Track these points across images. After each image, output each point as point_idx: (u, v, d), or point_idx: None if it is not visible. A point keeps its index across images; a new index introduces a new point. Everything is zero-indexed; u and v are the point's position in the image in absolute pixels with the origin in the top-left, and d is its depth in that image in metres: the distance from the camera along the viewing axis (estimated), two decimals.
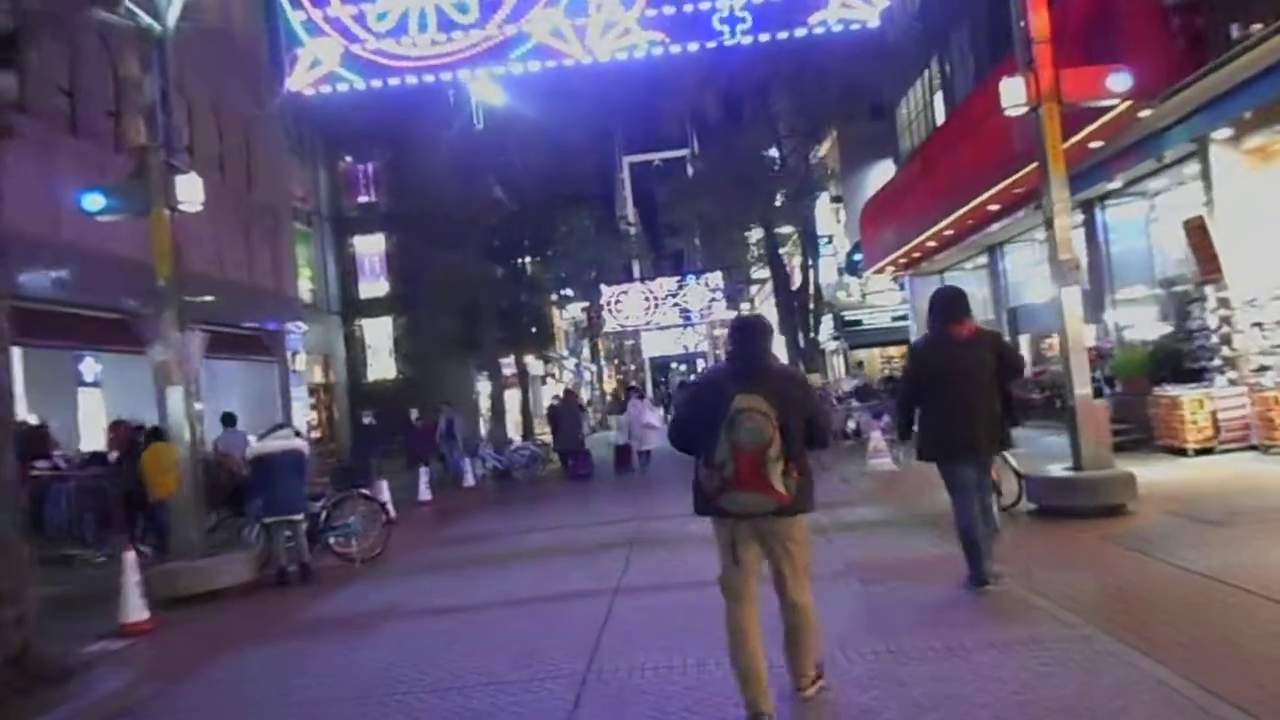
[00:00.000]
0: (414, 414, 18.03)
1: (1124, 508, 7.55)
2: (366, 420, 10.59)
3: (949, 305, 5.36)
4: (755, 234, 31.44)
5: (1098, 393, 14.18)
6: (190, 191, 8.87)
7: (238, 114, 19.16)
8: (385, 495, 11.77)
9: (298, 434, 8.99)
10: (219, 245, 17.59)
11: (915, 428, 5.54)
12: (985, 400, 5.19)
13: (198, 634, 6.95)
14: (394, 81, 11.03)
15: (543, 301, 25.05)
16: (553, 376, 35.39)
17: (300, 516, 8.54)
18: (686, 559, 7.16)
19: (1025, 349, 18.98)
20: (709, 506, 3.62)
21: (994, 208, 16.09)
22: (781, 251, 23.81)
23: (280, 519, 8.44)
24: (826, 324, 26.83)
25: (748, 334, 3.82)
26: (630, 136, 58.28)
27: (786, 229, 24.27)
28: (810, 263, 20.78)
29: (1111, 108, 9.74)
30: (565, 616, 5.92)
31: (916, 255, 20.59)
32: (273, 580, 8.40)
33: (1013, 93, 8.29)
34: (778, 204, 18.98)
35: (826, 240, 29.26)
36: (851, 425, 16.18)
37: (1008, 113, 8.55)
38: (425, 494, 13.85)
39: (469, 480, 15.69)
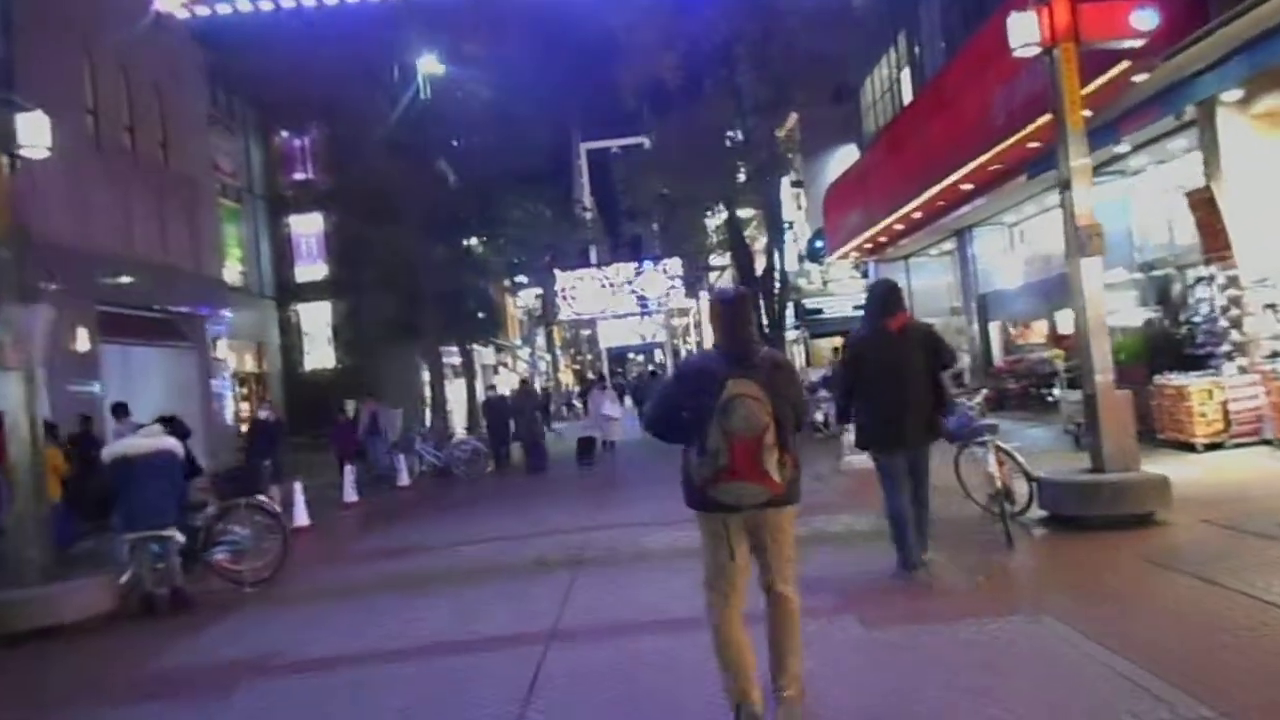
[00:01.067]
0: (350, 405, 16.18)
1: (1153, 517, 6.30)
2: (263, 415, 8.71)
3: (883, 298, 5.46)
4: (715, 221, 30.17)
5: (1076, 383, 13.15)
6: (35, 133, 7.07)
7: (150, 76, 17.08)
8: (299, 500, 10.10)
9: (175, 431, 7.27)
10: (126, 218, 15.57)
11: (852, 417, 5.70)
12: (917, 391, 5.28)
13: (6, 690, 5.27)
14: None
15: (490, 284, 23.32)
16: (505, 366, 33.61)
17: (171, 531, 6.87)
18: (642, 587, 5.73)
19: (995, 336, 17.96)
20: (700, 499, 3.34)
21: (967, 187, 14.88)
22: (744, 235, 22.39)
23: (145, 534, 6.76)
24: (788, 312, 25.65)
25: (735, 313, 3.49)
26: (588, 124, 56.54)
27: (748, 212, 22.88)
28: (775, 246, 19.33)
29: (1112, 65, 8.55)
30: (476, 679, 4.40)
31: (882, 240, 19.39)
32: (137, 609, 6.72)
33: (1023, 30, 6.94)
34: (741, 179, 17.44)
35: (788, 226, 28.06)
36: (819, 416, 14.87)
37: (1016, 54, 7.20)
38: (351, 495, 12.17)
39: (403, 479, 14.00)
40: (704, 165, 17.84)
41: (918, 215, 16.99)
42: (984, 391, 6.98)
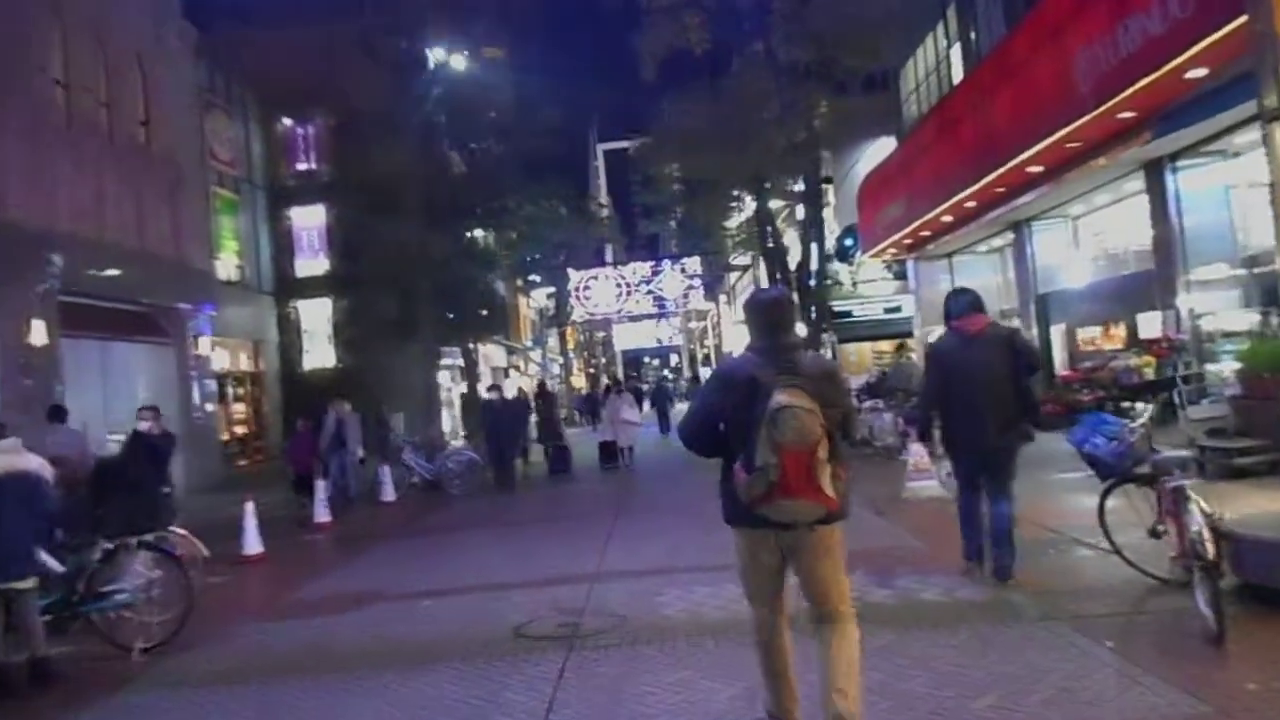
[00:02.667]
0: (344, 407, 14.13)
1: None
2: (143, 426, 6.35)
3: (960, 302, 5.26)
4: (737, 219, 28.12)
5: (1168, 397, 10.94)
6: None
7: (130, 49, 15.32)
8: (249, 524, 8.15)
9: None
10: (97, 200, 13.78)
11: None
12: (996, 397, 5.01)
13: None
14: None
15: (495, 279, 21.37)
16: (518, 369, 31.67)
17: (28, 582, 4.95)
18: (658, 693, 3.71)
19: (1057, 342, 15.76)
20: (747, 516, 2.97)
21: (1035, 170, 12.77)
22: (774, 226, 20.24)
23: None
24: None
25: (778, 316, 3.15)
26: (606, 125, 54.74)
27: (776, 203, 20.73)
28: (813, 238, 16.99)
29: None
30: None
31: (925, 234, 17.26)
32: None
33: None
34: (779, 152, 15.10)
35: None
36: (865, 431, 12.76)
37: None
38: (322, 515, 10.23)
39: (388, 494, 12.06)
40: (732, 141, 15.71)
41: (971, 205, 14.86)
42: (1148, 409, 4.89)
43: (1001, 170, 12.95)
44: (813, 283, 16.87)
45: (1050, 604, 4.76)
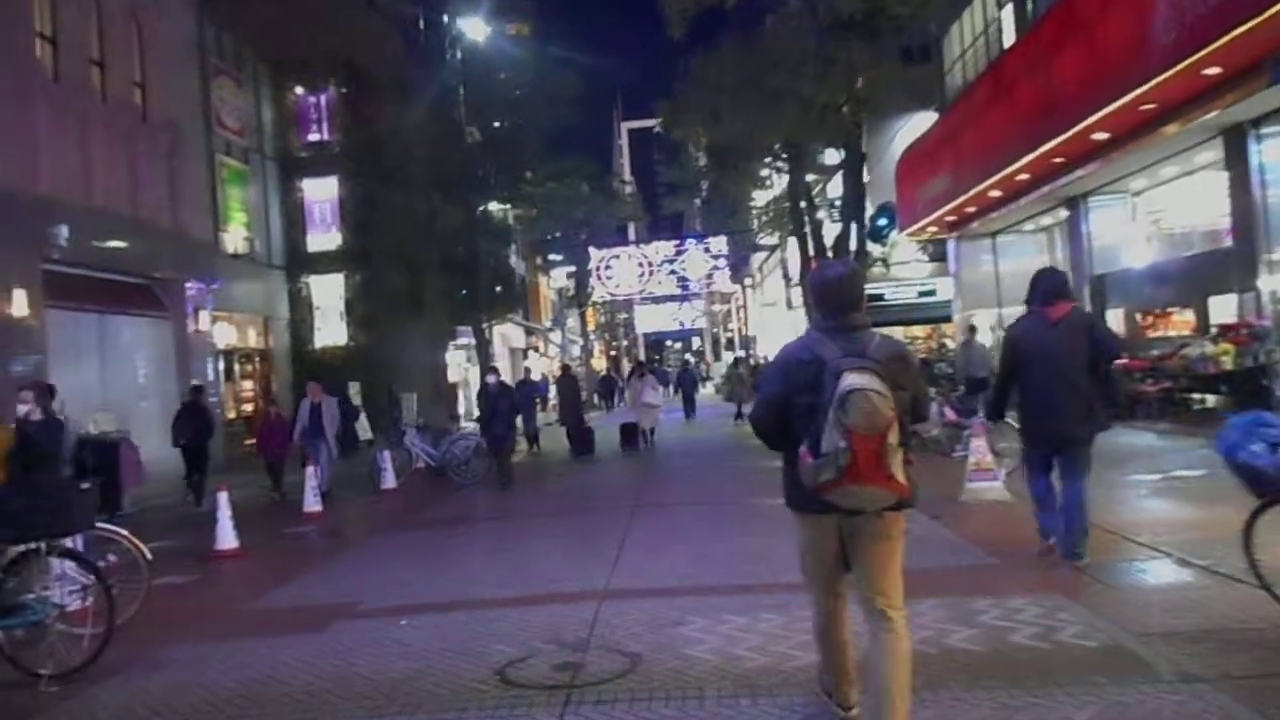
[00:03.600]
0: (322, 394, 12.67)
1: None
2: (22, 408, 5.28)
3: (1046, 285, 5.10)
4: (763, 199, 26.76)
5: (1257, 391, 9.65)
6: None
7: (125, 3, 14.34)
8: (223, 515, 7.20)
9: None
10: (86, 164, 12.86)
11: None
12: (1072, 385, 4.86)
13: None
14: None
15: (509, 253, 20.27)
16: (536, 350, 30.66)
17: None
18: None
19: (1114, 326, 14.38)
20: (809, 500, 2.80)
21: (1100, 136, 11.45)
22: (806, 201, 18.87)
23: None
24: None
25: (847, 293, 2.91)
26: (630, 105, 53.30)
27: (811, 177, 19.35)
28: (853, 214, 15.51)
29: None
30: None
31: (970, 211, 15.94)
32: None
33: None
34: (817, 114, 13.68)
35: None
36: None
37: None
38: (312, 504, 9.28)
39: (388, 481, 11.09)
40: (764, 103, 14.36)
41: (1024, 178, 13.55)
42: None
43: (1062, 138, 11.65)
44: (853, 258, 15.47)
45: (1184, 655, 3.64)
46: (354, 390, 15.07)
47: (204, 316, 14.81)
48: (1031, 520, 5.45)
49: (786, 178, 26.95)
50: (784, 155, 16.98)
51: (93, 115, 13.02)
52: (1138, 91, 9.86)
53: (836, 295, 2.89)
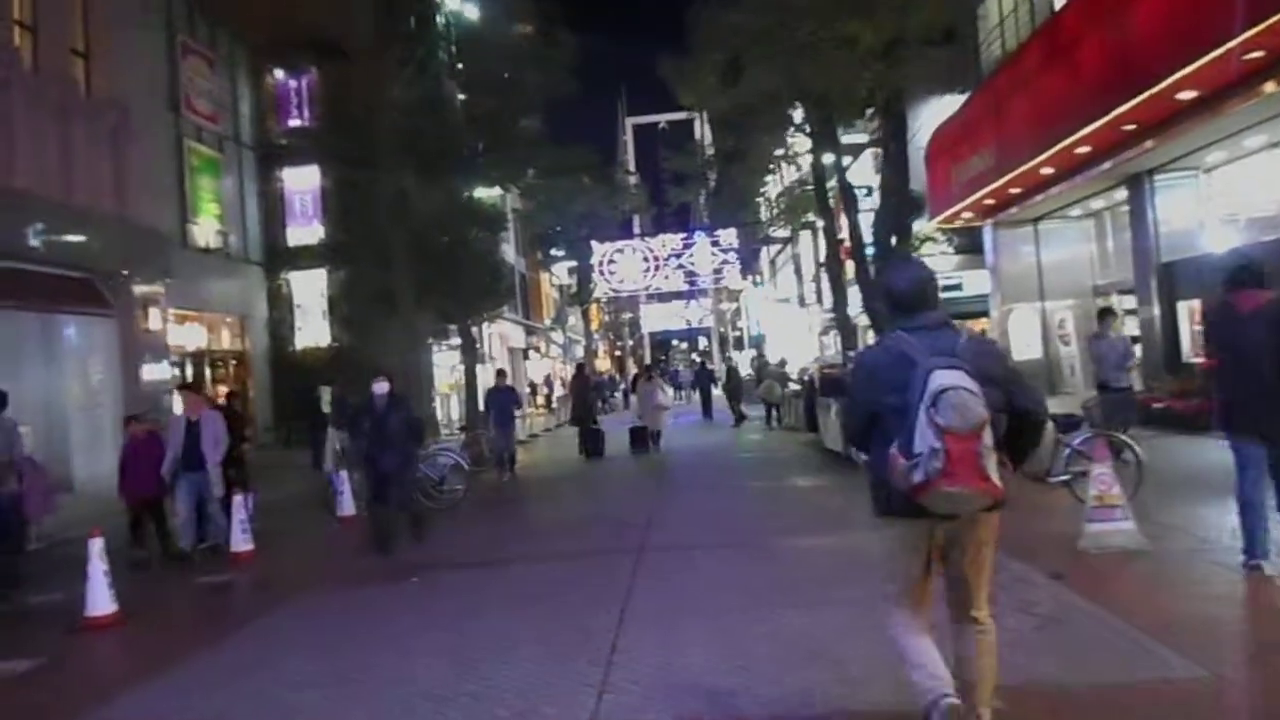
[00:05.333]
0: (203, 406, 8.37)
1: None
2: None
3: (1233, 274, 4.67)
4: (775, 189, 24.86)
5: None
6: None
7: None
8: (95, 573, 5.34)
9: None
10: (7, 141, 11.03)
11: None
12: (1269, 375, 4.37)
13: None
14: None
15: (501, 242, 18.39)
16: (538, 350, 28.80)
17: None
18: None
19: (1184, 321, 12.51)
20: (901, 505, 2.70)
21: (1186, 96, 9.53)
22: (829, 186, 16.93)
23: None
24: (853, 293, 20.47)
25: (926, 293, 2.82)
26: (635, 103, 51.42)
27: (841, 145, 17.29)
28: (897, 194, 13.16)
29: None
30: None
31: (1014, 192, 14.01)
32: None
33: None
34: (856, 63, 11.60)
35: (865, 192, 23.00)
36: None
37: None
38: (241, 542, 7.38)
39: (345, 507, 9.16)
40: (792, 53, 12.32)
41: (1084, 151, 11.61)
42: None
43: (1138, 100, 9.72)
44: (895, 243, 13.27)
45: None
46: (325, 398, 13.13)
47: (154, 314, 12.98)
48: (1200, 580, 4.14)
49: (796, 168, 25.15)
50: (807, 128, 14.98)
51: (17, 86, 11.21)
52: (1243, 37, 7.96)
53: (918, 295, 2.80)
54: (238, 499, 7.41)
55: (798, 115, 15.87)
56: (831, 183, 17.40)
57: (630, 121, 50.15)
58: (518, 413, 14.21)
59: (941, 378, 2.52)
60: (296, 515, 9.70)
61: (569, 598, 5.40)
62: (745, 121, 15.44)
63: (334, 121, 15.78)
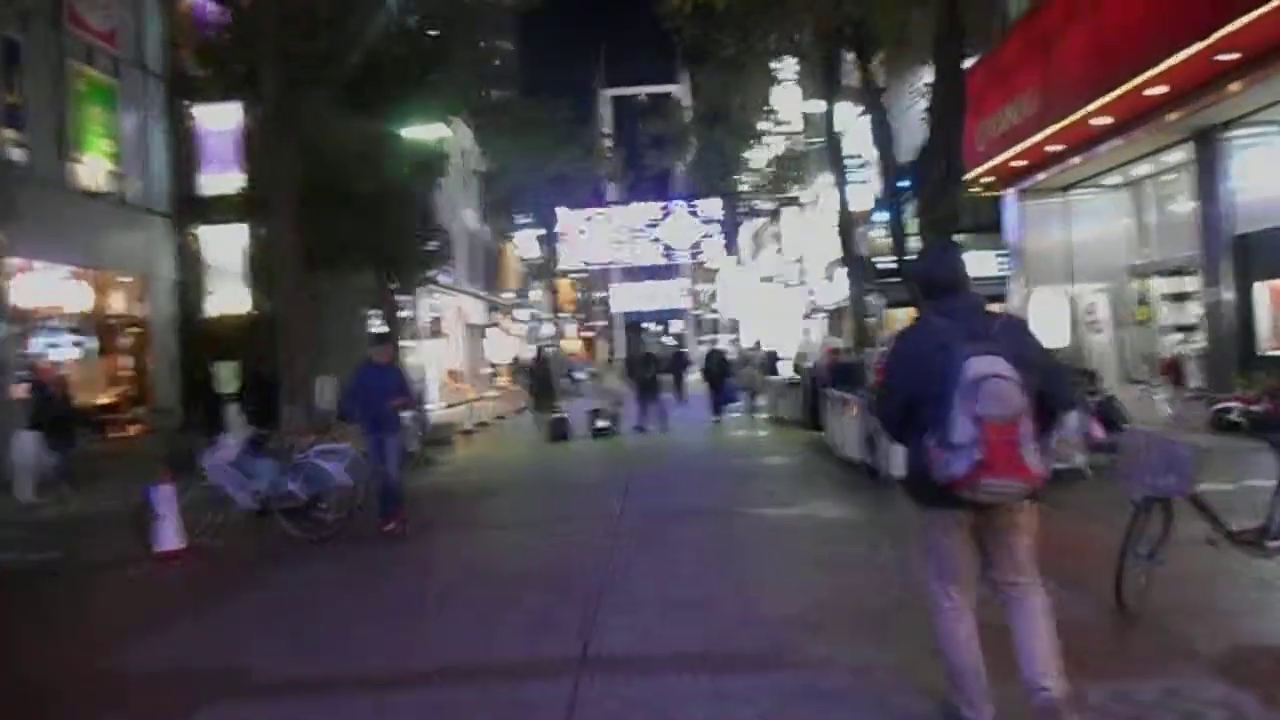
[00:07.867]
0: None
1: None
2: None
3: None
4: (763, 154, 22.37)
5: None
6: None
7: None
8: None
9: None
10: None
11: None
12: None
13: None
14: None
15: (435, 189, 15.65)
16: (498, 327, 26.06)
17: None
18: None
19: (1263, 304, 10.30)
20: (941, 496, 2.66)
21: None
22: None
23: None
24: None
25: (960, 274, 2.83)
26: (613, 75, 48.52)
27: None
28: (949, 154, 10.10)
29: None
30: None
31: (1051, 150, 11.65)
32: None
33: None
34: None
35: (860, 163, 20.73)
36: None
37: None
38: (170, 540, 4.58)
39: (168, 539, 5.88)
40: None
41: (1159, 92, 9.24)
42: None
43: (1253, 15, 7.37)
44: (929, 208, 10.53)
45: None
46: (227, 373, 10.40)
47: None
48: None
49: (783, 141, 22.71)
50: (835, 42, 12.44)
51: None
52: None
53: (953, 279, 2.80)
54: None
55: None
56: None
57: (609, 93, 47.22)
58: (406, 415, 8.56)
59: (978, 364, 2.52)
60: (101, 539, 6.93)
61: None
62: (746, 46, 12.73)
63: (242, 37, 12.90)
